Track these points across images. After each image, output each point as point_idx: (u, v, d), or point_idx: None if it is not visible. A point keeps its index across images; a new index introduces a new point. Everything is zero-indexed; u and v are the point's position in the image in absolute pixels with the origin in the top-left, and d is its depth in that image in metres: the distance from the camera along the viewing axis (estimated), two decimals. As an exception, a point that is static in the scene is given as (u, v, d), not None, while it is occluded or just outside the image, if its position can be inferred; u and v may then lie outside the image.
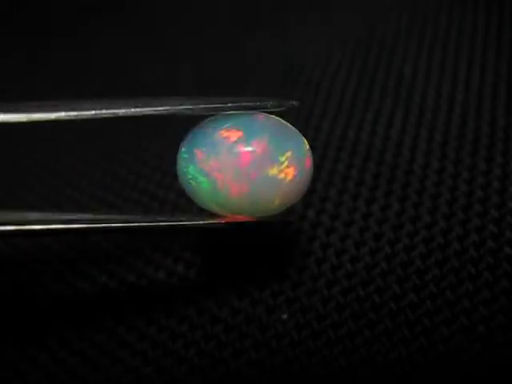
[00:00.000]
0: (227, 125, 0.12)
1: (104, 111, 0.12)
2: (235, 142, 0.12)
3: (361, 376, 0.14)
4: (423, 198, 0.16)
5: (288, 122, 0.13)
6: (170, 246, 0.17)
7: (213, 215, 0.13)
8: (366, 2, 0.22)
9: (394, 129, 0.18)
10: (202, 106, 0.12)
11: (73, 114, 0.12)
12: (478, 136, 0.17)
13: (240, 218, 0.13)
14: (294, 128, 0.13)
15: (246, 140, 0.12)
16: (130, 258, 0.17)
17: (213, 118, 0.13)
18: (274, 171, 0.12)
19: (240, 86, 0.21)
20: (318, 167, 0.17)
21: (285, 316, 0.15)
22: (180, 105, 0.12)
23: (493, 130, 0.17)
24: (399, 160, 0.17)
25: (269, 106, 0.12)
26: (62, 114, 0.11)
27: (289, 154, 0.12)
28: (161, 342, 0.15)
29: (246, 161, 0.12)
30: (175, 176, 0.13)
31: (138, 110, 0.12)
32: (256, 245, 0.16)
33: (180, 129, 0.13)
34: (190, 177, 0.12)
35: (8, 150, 0.21)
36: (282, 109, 0.13)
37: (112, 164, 0.19)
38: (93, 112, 0.12)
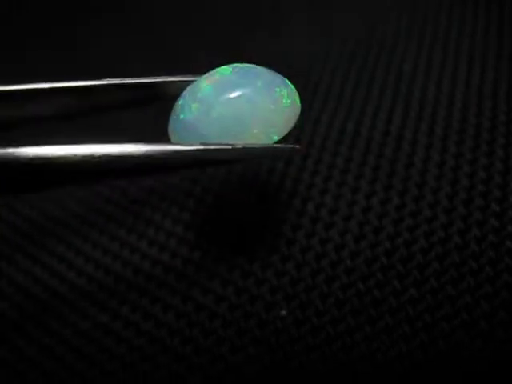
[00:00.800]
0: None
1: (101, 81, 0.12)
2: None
3: (360, 372, 0.14)
4: (424, 192, 0.16)
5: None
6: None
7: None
8: (365, 2, 0.22)
9: (393, 123, 0.17)
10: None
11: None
12: (479, 130, 0.16)
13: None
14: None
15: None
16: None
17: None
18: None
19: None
20: (316, 161, 0.17)
21: (284, 312, 0.15)
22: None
23: (494, 124, 0.16)
24: (399, 154, 0.17)
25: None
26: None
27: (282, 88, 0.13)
28: (157, 338, 0.15)
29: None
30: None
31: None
32: (255, 239, 0.16)
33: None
34: (185, 109, 0.13)
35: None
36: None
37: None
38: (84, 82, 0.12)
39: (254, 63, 0.21)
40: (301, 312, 0.15)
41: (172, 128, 0.13)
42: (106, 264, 0.17)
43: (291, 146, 0.14)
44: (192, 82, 0.14)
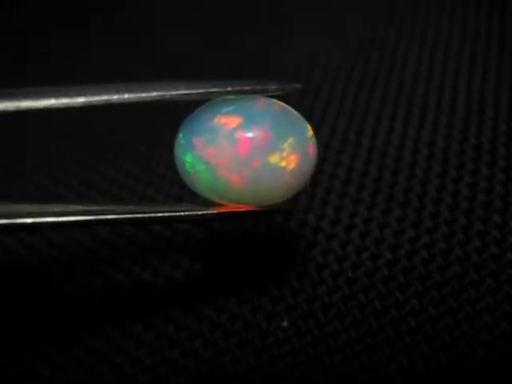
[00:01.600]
0: (226, 110, 0.11)
1: (96, 98, 0.11)
2: (234, 128, 0.11)
3: (362, 384, 0.14)
4: (425, 203, 0.16)
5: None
6: (168, 251, 0.17)
7: (212, 205, 0.13)
8: (367, 5, 0.22)
9: (395, 131, 0.17)
10: (200, 90, 0.11)
11: (63, 101, 0.11)
12: (481, 140, 0.16)
13: (240, 208, 0.12)
14: (296, 113, 0.12)
15: (246, 126, 0.11)
16: (126, 263, 0.17)
17: (211, 102, 0.12)
18: (275, 159, 0.11)
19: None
20: (318, 171, 0.17)
21: (285, 323, 0.15)
22: (175, 90, 0.11)
23: (495, 134, 0.16)
24: (400, 164, 0.17)
25: (270, 89, 0.12)
26: (51, 102, 0.11)
27: (291, 140, 0.11)
28: (157, 350, 0.15)
29: (245, 148, 0.11)
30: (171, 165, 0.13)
31: (131, 95, 0.11)
32: (256, 251, 0.16)
33: (177, 115, 0.12)
34: (188, 165, 0.12)
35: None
36: (284, 92, 0.12)
37: (114, 158, 0.19)
38: (84, 99, 0.11)
39: (253, 65, 0.21)
40: (302, 323, 0.15)
41: (178, 169, 0.12)
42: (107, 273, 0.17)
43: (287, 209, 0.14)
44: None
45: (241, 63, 0.21)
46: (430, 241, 0.15)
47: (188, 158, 0.12)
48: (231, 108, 0.11)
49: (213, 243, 0.17)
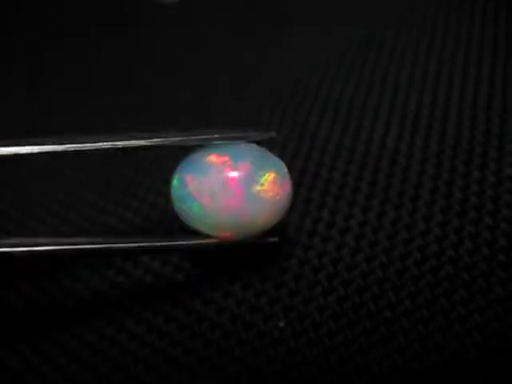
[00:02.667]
0: (214, 152, 0.14)
1: (103, 143, 0.13)
2: (222, 164, 0.13)
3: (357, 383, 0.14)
4: (418, 206, 0.16)
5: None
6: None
7: (202, 235, 0.15)
8: (363, 14, 0.23)
9: (389, 136, 0.18)
10: (193, 137, 0.14)
11: (72, 146, 0.13)
12: (472, 144, 0.17)
13: (227, 237, 0.14)
14: (273, 154, 0.14)
15: (232, 162, 0.13)
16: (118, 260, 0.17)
17: (201, 148, 0.14)
18: (257, 188, 0.13)
19: (239, 97, 0.21)
20: (313, 175, 0.17)
21: (282, 324, 0.15)
22: (173, 137, 0.14)
23: (487, 138, 0.17)
24: (395, 168, 0.17)
25: (250, 136, 0.14)
26: (61, 147, 0.12)
27: (270, 174, 0.14)
28: (159, 349, 0.16)
29: (232, 179, 0.13)
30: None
31: (135, 142, 0.13)
32: (252, 253, 0.16)
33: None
34: (181, 202, 0.14)
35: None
36: (262, 139, 0.14)
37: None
38: (91, 145, 0.13)
39: (252, 74, 0.22)
40: (298, 323, 0.15)
41: (174, 206, 0.14)
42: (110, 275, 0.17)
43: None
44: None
45: (240, 74, 0.22)
46: (423, 243, 0.15)
47: (181, 196, 0.14)
48: (218, 150, 0.14)
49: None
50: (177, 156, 0.14)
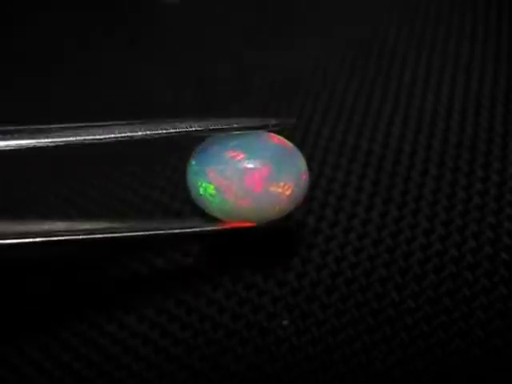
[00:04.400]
0: (233, 144, 0.13)
1: (118, 134, 0.12)
2: (240, 161, 0.13)
3: (360, 381, 0.14)
4: (421, 205, 0.16)
5: (287, 130, 0.14)
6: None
7: (217, 220, 0.14)
8: (365, 13, 0.23)
9: (392, 135, 0.18)
10: (211, 127, 0.13)
11: (81, 138, 0.12)
12: (476, 143, 0.17)
13: (243, 224, 0.14)
14: (293, 147, 0.14)
15: (250, 160, 0.13)
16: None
17: (219, 136, 0.14)
18: (274, 188, 0.13)
19: (241, 96, 0.21)
20: (317, 174, 0.17)
21: (285, 322, 0.15)
22: (189, 127, 0.13)
23: (490, 137, 0.17)
24: (398, 167, 0.17)
25: (270, 126, 0.14)
26: (69, 139, 0.12)
27: (288, 173, 0.13)
28: (162, 348, 0.16)
29: (250, 178, 0.13)
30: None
31: (151, 132, 0.13)
32: (256, 252, 0.16)
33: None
34: (201, 190, 0.14)
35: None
36: (280, 127, 0.14)
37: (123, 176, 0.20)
38: (104, 136, 0.12)
39: (254, 72, 0.22)
40: (302, 322, 0.15)
41: (189, 191, 0.14)
42: (113, 273, 0.17)
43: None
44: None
45: (242, 73, 0.22)
46: (426, 242, 0.15)
47: (201, 184, 0.14)
48: (238, 142, 0.13)
49: (212, 247, 0.17)
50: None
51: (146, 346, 0.16)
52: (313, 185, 0.17)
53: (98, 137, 0.12)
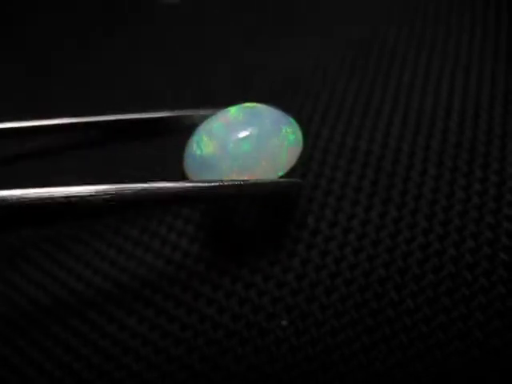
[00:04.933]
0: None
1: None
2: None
3: (360, 382, 0.14)
4: (420, 205, 0.16)
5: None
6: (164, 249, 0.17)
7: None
8: (365, 14, 0.23)
9: (392, 136, 0.18)
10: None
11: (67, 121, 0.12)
12: (475, 143, 0.17)
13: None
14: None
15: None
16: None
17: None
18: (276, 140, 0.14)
19: (240, 95, 0.21)
20: (316, 174, 0.17)
21: (284, 322, 0.15)
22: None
23: (489, 138, 0.17)
24: (397, 167, 0.17)
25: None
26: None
27: (286, 128, 0.15)
28: (162, 348, 0.16)
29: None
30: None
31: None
32: (256, 252, 0.16)
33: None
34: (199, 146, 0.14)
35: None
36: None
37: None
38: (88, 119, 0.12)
39: (254, 72, 0.22)
40: (301, 322, 0.15)
41: (188, 163, 0.15)
42: (114, 275, 0.17)
43: (297, 180, 0.16)
44: (203, 116, 0.15)
45: (241, 73, 0.22)
46: (425, 242, 0.15)
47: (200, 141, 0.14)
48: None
49: (212, 248, 0.17)
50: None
51: (146, 347, 0.16)
52: (312, 185, 0.17)
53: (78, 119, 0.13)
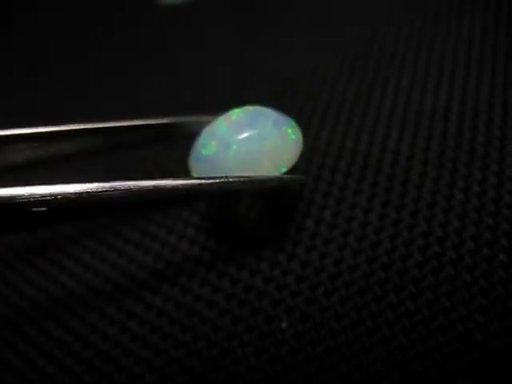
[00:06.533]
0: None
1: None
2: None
3: (359, 383, 0.14)
4: (419, 207, 0.16)
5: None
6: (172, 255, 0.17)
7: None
8: (364, 13, 0.23)
9: (391, 137, 0.18)
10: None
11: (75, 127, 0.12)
12: (474, 145, 0.17)
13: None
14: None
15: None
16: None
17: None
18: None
19: (241, 96, 0.21)
20: (316, 177, 0.17)
21: (284, 324, 0.15)
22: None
23: (488, 139, 0.17)
24: (396, 169, 0.17)
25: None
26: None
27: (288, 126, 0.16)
28: (163, 350, 0.16)
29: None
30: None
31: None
32: (255, 254, 0.16)
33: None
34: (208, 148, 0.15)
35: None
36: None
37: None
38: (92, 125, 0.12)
39: (254, 73, 0.22)
40: (301, 324, 0.15)
41: (194, 163, 0.16)
42: (114, 278, 0.17)
43: (300, 176, 0.16)
44: (208, 122, 0.16)
45: (241, 74, 0.22)
46: (425, 244, 0.15)
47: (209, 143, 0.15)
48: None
49: (212, 251, 0.17)
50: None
51: (147, 349, 0.16)
52: (312, 188, 0.17)
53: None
